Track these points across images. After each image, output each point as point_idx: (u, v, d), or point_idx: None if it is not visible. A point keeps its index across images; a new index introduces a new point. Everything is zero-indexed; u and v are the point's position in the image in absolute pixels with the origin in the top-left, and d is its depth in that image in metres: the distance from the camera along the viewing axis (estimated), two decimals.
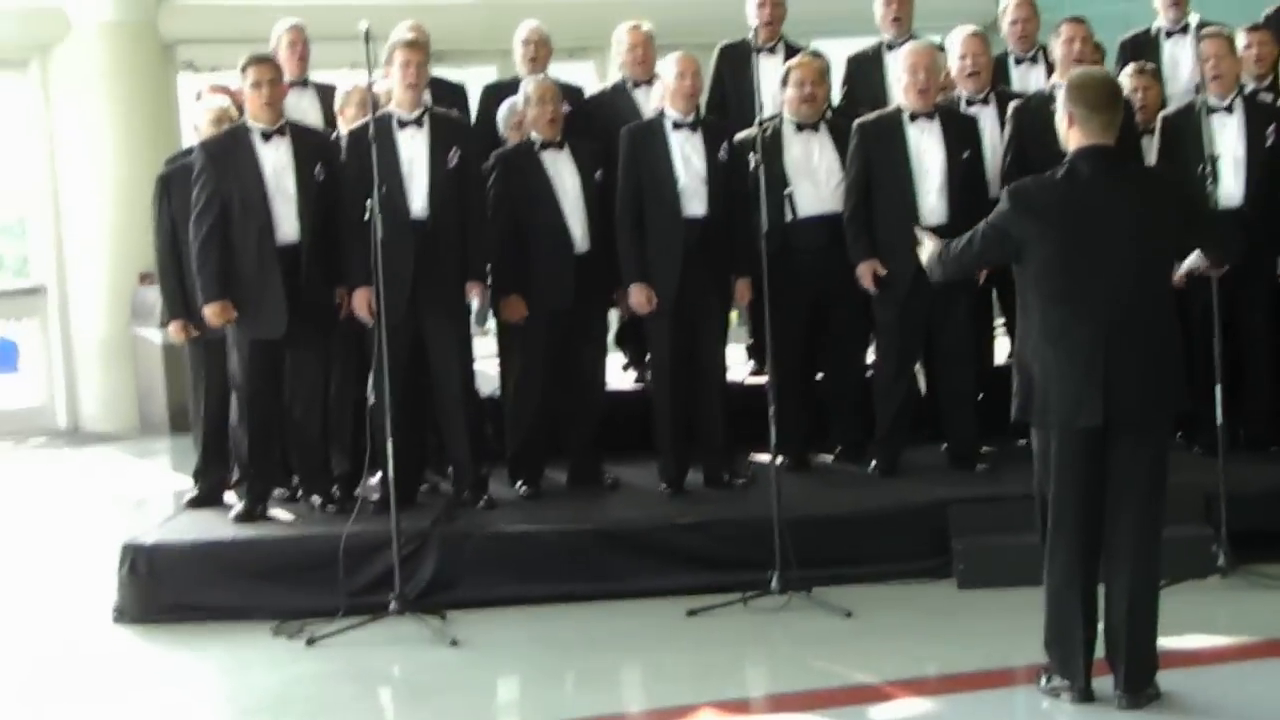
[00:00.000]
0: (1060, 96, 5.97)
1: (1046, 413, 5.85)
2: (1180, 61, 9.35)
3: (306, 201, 8.13)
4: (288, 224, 8.13)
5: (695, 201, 8.35)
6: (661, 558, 7.88)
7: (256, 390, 8.20)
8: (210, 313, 8.09)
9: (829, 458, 8.97)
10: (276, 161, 8.13)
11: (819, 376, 8.99)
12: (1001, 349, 9.26)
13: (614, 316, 9.24)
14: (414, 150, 8.11)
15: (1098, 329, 5.75)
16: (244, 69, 8.16)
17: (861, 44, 10.54)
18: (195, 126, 8.54)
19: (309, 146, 8.26)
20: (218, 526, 8.19)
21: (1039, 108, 8.50)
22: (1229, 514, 7.41)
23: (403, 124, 8.11)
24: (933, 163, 8.38)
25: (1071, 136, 5.90)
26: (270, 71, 8.20)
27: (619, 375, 9.89)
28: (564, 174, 8.44)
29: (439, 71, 9.78)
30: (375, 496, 8.20)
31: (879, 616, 7.34)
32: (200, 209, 8.09)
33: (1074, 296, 5.78)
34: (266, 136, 8.13)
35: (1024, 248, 5.84)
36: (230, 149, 8.15)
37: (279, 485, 8.56)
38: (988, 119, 8.75)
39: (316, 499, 8.37)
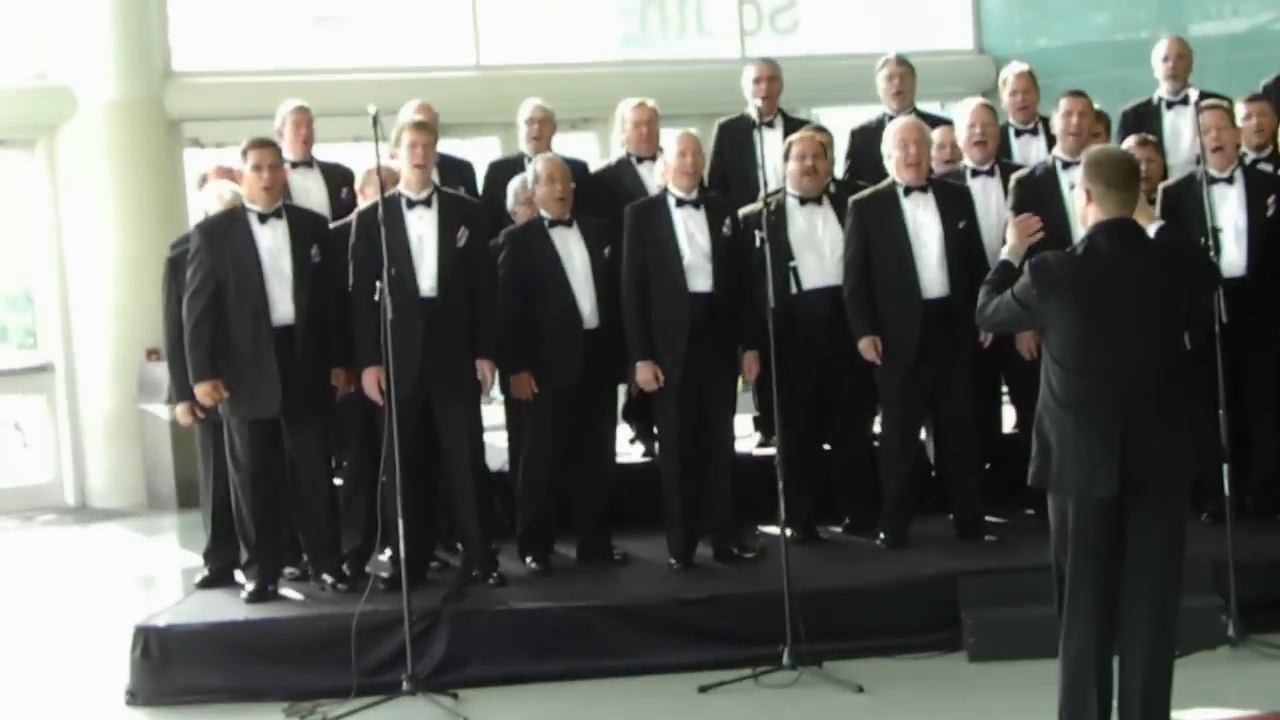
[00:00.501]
0: (1079, 173, 6.03)
1: (1063, 481, 5.89)
2: (1181, 132, 9.44)
3: (302, 282, 8.20)
4: (283, 305, 8.18)
5: (700, 277, 8.41)
6: (672, 633, 7.89)
7: (257, 470, 8.24)
8: (201, 392, 8.16)
9: (837, 529, 8.99)
10: (273, 243, 8.20)
11: (826, 448, 9.03)
12: (1009, 418, 9.29)
13: (622, 389, 9.30)
14: (423, 229, 8.17)
15: (1116, 399, 5.81)
16: (244, 152, 8.24)
17: (861, 112, 10.67)
18: (205, 211, 8.59)
19: (305, 228, 8.33)
20: (229, 607, 8.20)
21: (1040, 179, 8.63)
22: (1238, 583, 7.43)
23: (411, 204, 8.18)
24: (930, 235, 8.45)
25: (1090, 212, 5.97)
26: (271, 155, 8.29)
27: (626, 448, 9.92)
28: (573, 251, 8.51)
29: (443, 146, 9.85)
30: (385, 574, 8.21)
31: (891, 691, 7.35)
32: (194, 289, 8.16)
33: (1093, 367, 5.84)
34: (263, 218, 8.21)
35: (1046, 319, 5.93)
36: (227, 230, 8.22)
37: (289, 564, 8.58)
38: (992, 189, 8.83)
39: (327, 578, 8.39)
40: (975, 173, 8.88)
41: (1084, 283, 5.87)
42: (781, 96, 9.97)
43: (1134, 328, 5.82)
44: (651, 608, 8.00)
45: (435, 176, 8.54)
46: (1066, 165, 8.51)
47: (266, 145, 8.35)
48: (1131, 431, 5.79)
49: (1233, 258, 8.33)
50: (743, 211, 8.66)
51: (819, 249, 8.65)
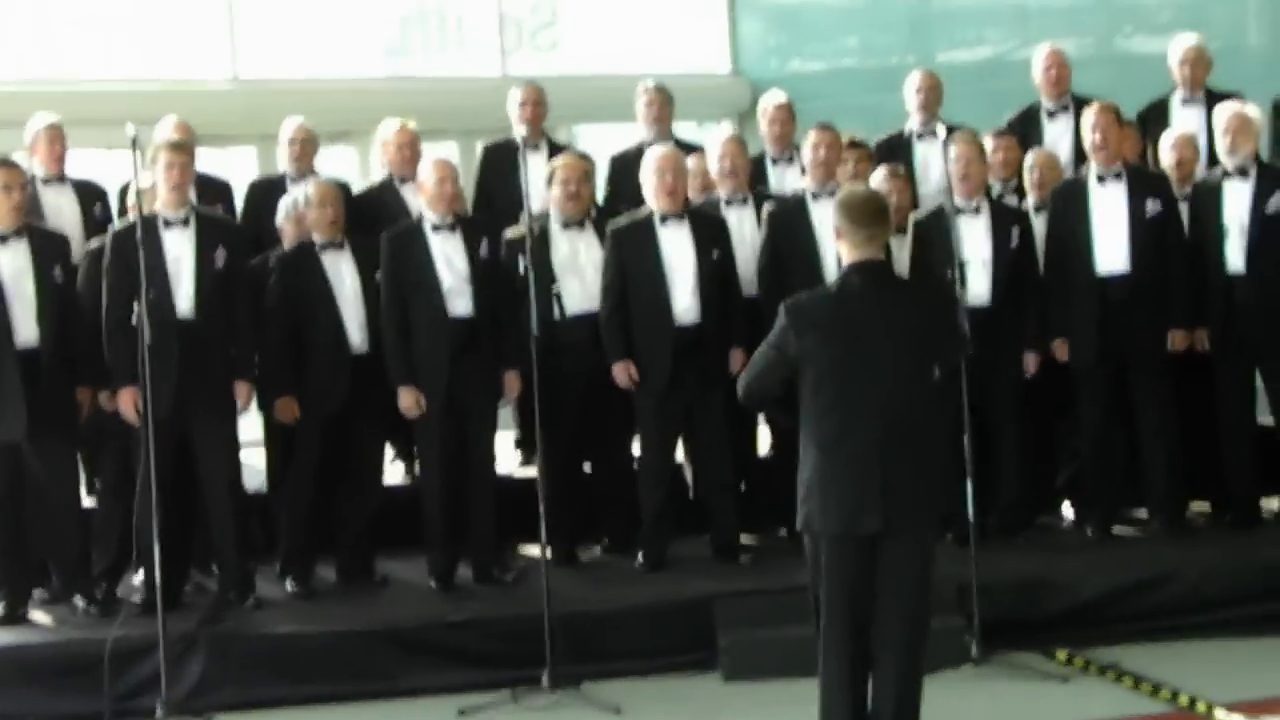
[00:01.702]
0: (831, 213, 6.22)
1: (826, 521, 6.03)
2: (931, 163, 9.73)
3: (46, 304, 8.05)
4: (26, 328, 8.03)
5: (460, 301, 8.44)
6: (432, 656, 7.91)
7: (3, 493, 8.10)
8: None
9: (597, 550, 9.09)
10: (14, 265, 8.03)
11: (586, 469, 9.13)
12: (763, 440, 9.47)
13: None
14: (180, 250, 8.09)
15: (871, 437, 5.96)
16: None
17: (619, 131, 10.80)
18: None
19: (47, 248, 8.18)
20: None
21: (794, 209, 8.82)
22: (981, 603, 7.66)
23: (168, 224, 8.09)
24: (684, 263, 8.59)
25: (842, 250, 6.17)
26: (20, 176, 8.16)
27: (388, 468, 9.90)
28: (344, 274, 8.50)
29: (200, 157, 9.75)
30: (138, 597, 8.11)
31: (649, 711, 7.45)
32: None
33: (847, 406, 5.99)
34: (3, 239, 8.04)
35: (801, 361, 6.04)
36: None
37: (38, 586, 8.42)
38: (746, 219, 8.99)
39: (79, 601, 8.24)
40: (729, 202, 9.03)
41: (837, 320, 6.04)
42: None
43: (886, 364, 5.99)
44: (411, 631, 8.00)
45: (192, 195, 8.47)
46: (815, 196, 8.72)
47: (11, 165, 8.17)
48: (889, 467, 5.96)
49: (978, 288, 8.62)
50: (507, 234, 8.75)
51: (582, 273, 8.74)
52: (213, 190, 9.42)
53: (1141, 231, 8.75)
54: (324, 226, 8.53)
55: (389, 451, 9.97)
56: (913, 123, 10.01)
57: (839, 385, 5.99)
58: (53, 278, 8.09)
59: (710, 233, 8.68)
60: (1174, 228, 8.87)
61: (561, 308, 8.64)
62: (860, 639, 6.08)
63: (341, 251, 8.54)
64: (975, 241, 8.68)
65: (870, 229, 6.09)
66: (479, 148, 10.25)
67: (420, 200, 8.69)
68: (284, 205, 9.02)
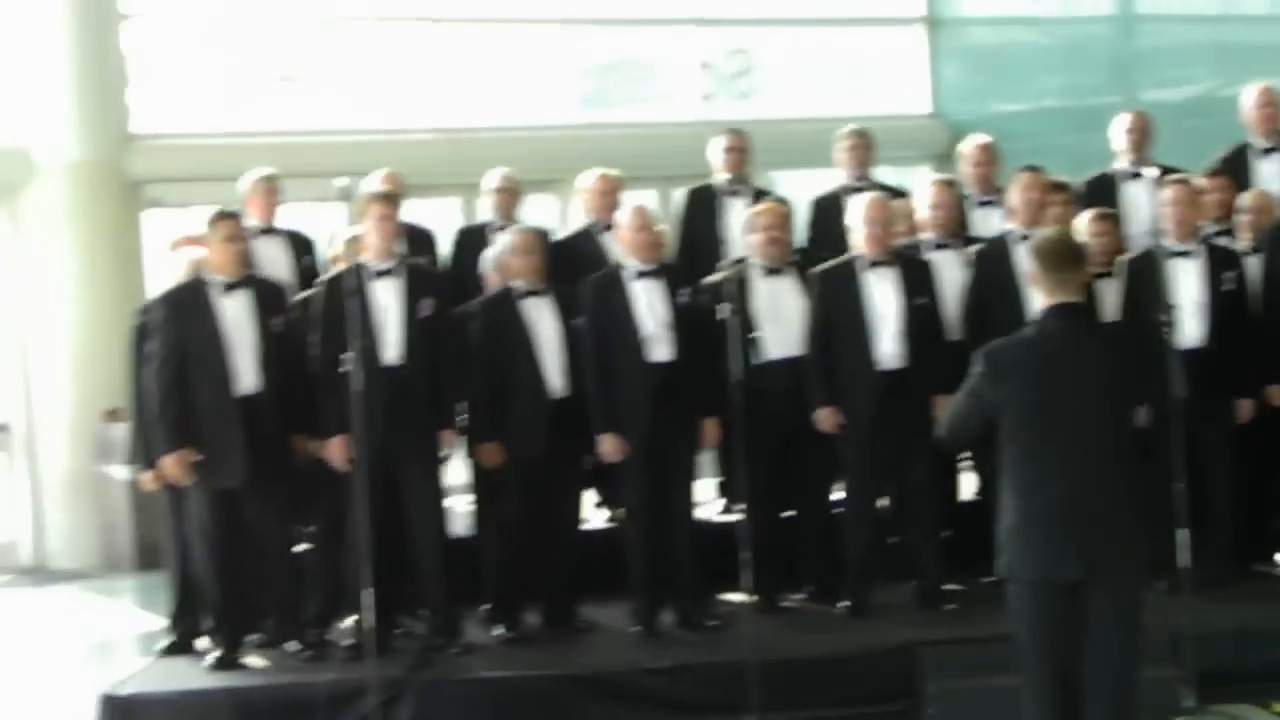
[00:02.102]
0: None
1: (1025, 567, 5.97)
2: (1140, 204, 9.55)
3: (266, 352, 8.25)
4: (247, 375, 8.22)
5: (660, 347, 8.49)
6: (636, 702, 7.94)
7: (221, 538, 8.27)
8: (169, 464, 8.18)
9: (800, 597, 9.03)
10: (236, 313, 8.24)
11: (788, 515, 9.09)
12: (968, 485, 9.37)
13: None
14: (388, 299, 8.24)
15: (1070, 483, 5.89)
16: (212, 223, 8.27)
17: (818, 177, 10.78)
18: (177, 279, 8.62)
19: (268, 297, 8.38)
20: (193, 675, 8.21)
21: (998, 252, 8.73)
22: (1194, 654, 7.50)
23: (377, 274, 8.24)
24: (889, 309, 8.54)
25: (1038, 294, 6.10)
26: (240, 228, 8.38)
27: (591, 513, 9.96)
28: (544, 321, 8.58)
29: (405, 207, 9.91)
30: (350, 641, 8.23)
31: None
32: (160, 361, 8.20)
33: (1046, 452, 5.93)
34: (227, 288, 8.24)
35: (999, 407, 6.00)
36: (190, 301, 8.26)
37: (253, 630, 8.58)
38: (952, 264, 8.93)
39: (292, 645, 8.39)
40: (937, 246, 8.97)
41: (1034, 366, 5.99)
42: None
43: (1085, 408, 5.92)
44: (615, 676, 8.04)
45: (401, 246, 8.61)
46: (1021, 239, 8.62)
47: (233, 217, 8.40)
48: (1089, 513, 5.88)
49: (1191, 331, 8.46)
50: (707, 280, 8.75)
51: (782, 319, 8.73)
52: (418, 239, 9.58)
53: None
54: (525, 273, 8.62)
55: (593, 497, 10.05)
56: (1120, 163, 9.86)
57: (1037, 431, 5.94)
58: (272, 326, 8.27)
59: (917, 278, 8.64)
60: None
61: (761, 353, 8.62)
62: (1064, 689, 5.98)
63: (542, 298, 8.62)
64: (1188, 284, 8.54)
65: (1062, 273, 6.03)
66: (678, 194, 10.28)
67: (620, 247, 8.74)
68: (489, 254, 9.14)
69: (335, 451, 8.13)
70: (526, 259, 8.62)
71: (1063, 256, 6.07)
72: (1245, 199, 9.11)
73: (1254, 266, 8.82)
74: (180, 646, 8.68)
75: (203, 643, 8.55)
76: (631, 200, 9.20)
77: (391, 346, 8.22)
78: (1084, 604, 5.94)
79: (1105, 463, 5.93)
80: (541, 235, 8.90)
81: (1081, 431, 5.91)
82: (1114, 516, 5.92)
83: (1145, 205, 9.44)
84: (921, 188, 9.21)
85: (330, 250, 9.17)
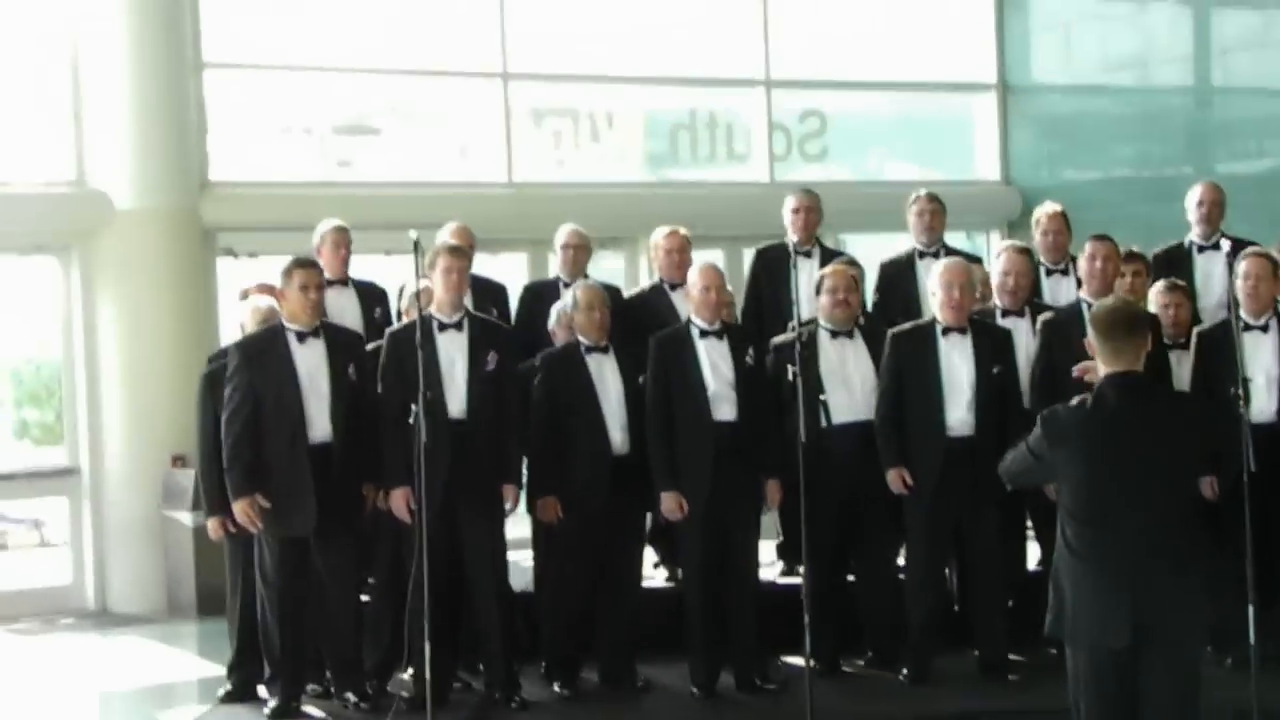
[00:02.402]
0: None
1: (1077, 631, 5.99)
2: (1212, 276, 9.54)
3: (339, 401, 8.29)
4: (320, 423, 8.27)
5: (725, 406, 8.49)
6: None
7: (287, 587, 8.30)
8: (239, 509, 8.20)
9: (860, 662, 8.98)
10: (310, 361, 8.29)
11: (850, 579, 9.04)
12: (1033, 555, 9.29)
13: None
14: (453, 352, 8.28)
15: (1125, 550, 5.90)
16: (289, 271, 8.34)
17: (886, 241, 10.76)
18: (241, 325, 8.68)
19: (342, 346, 8.43)
20: None
21: (1068, 321, 8.69)
22: None
23: (443, 327, 8.28)
24: (962, 376, 8.53)
25: (1100, 363, 6.12)
26: (318, 277, 8.44)
27: (650, 572, 9.94)
28: (608, 377, 8.61)
29: (474, 264, 9.97)
30: (408, 693, 8.23)
31: None
32: (234, 408, 8.24)
33: (1102, 519, 5.95)
34: (301, 337, 8.30)
35: (1054, 470, 6.07)
36: (266, 349, 8.31)
37: (313, 681, 8.59)
38: (1023, 330, 8.89)
39: (350, 696, 8.41)
40: (1006, 313, 8.93)
41: (1091, 434, 6.01)
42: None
43: (1142, 477, 5.94)
44: None
45: (468, 298, 8.64)
46: (1091, 306, 8.56)
47: (313, 265, 8.48)
48: (1142, 580, 5.88)
49: (1263, 405, 8.41)
50: (775, 341, 8.76)
51: (849, 382, 8.73)
52: (489, 293, 9.63)
53: None
54: (590, 330, 8.65)
55: (653, 555, 10.03)
56: (1194, 234, 9.81)
57: (1093, 498, 5.97)
58: (347, 375, 8.31)
59: (993, 346, 8.62)
60: None
61: (828, 416, 8.59)
62: None
63: (606, 355, 8.64)
64: (1263, 357, 8.51)
65: (1117, 341, 6.06)
66: (747, 254, 10.28)
67: (688, 306, 8.74)
68: (556, 309, 9.17)
69: (398, 503, 8.14)
70: (590, 314, 8.65)
71: (1118, 325, 6.09)
72: None
73: None
74: (239, 694, 8.71)
75: (262, 691, 8.55)
76: (701, 259, 9.20)
77: (456, 399, 8.25)
78: (1140, 669, 5.93)
79: (1161, 530, 5.93)
80: (603, 291, 8.91)
81: (1137, 498, 5.93)
82: (1169, 582, 5.91)
83: (1218, 277, 9.39)
84: (995, 253, 9.17)
85: (400, 302, 9.20)
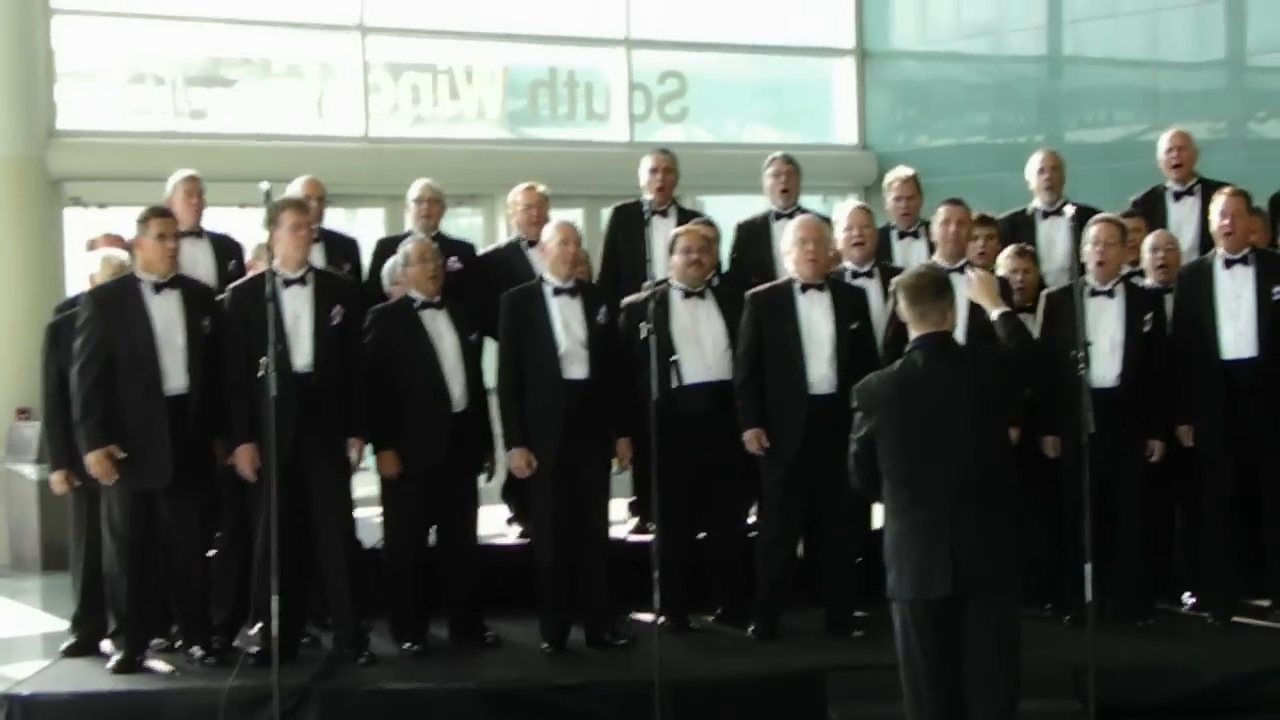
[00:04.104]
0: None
1: (901, 586, 6.21)
2: (1055, 242, 9.69)
3: (195, 353, 8.19)
4: (176, 375, 8.17)
5: (576, 365, 8.49)
6: (541, 718, 7.94)
7: (136, 540, 8.20)
8: (93, 461, 8.07)
9: (709, 618, 9.03)
10: (166, 313, 8.18)
11: (701, 537, 9.10)
12: (879, 513, 9.38)
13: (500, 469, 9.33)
14: (298, 307, 8.20)
15: (941, 504, 6.12)
16: (145, 220, 8.21)
17: (745, 202, 10.81)
18: (90, 276, 8.55)
19: (197, 298, 8.33)
20: (95, 677, 8.15)
21: None
22: (1097, 688, 7.50)
23: (288, 282, 8.19)
24: (823, 333, 8.57)
25: (909, 328, 6.34)
26: (174, 225, 8.32)
27: (503, 529, 9.96)
28: (442, 332, 8.56)
29: (329, 217, 9.90)
30: (255, 648, 8.18)
31: None
32: (87, 358, 8.10)
33: (917, 476, 6.19)
34: (157, 288, 8.19)
35: (875, 437, 6.26)
36: (119, 299, 8.18)
37: (158, 635, 8.52)
38: (872, 291, 8.95)
39: (197, 650, 8.33)
40: (855, 274, 9.01)
41: (900, 396, 6.24)
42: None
43: (952, 436, 6.14)
44: (521, 692, 8.04)
45: (320, 252, 8.58)
46: (945, 271, 8.65)
47: (168, 215, 8.35)
48: (959, 534, 6.08)
49: (1105, 369, 8.54)
50: (627, 300, 8.77)
51: (700, 343, 8.74)
52: (340, 247, 9.57)
53: (1269, 317, 8.62)
54: (424, 283, 8.59)
55: (506, 512, 10.04)
56: (1037, 201, 9.96)
57: (907, 457, 6.20)
58: (200, 327, 8.22)
59: (851, 303, 8.67)
60: None
61: (680, 376, 8.63)
62: (947, 709, 6.14)
63: (440, 311, 8.60)
64: (1107, 323, 8.62)
65: (922, 305, 6.29)
66: (606, 215, 10.30)
67: (542, 262, 8.75)
68: (387, 267, 9.15)
69: (243, 459, 8.08)
70: (423, 267, 8.59)
71: (924, 289, 6.32)
72: (1150, 239, 9.20)
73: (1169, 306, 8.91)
74: (83, 648, 8.60)
75: (106, 645, 8.47)
76: (559, 218, 9.19)
77: (302, 354, 8.18)
78: (961, 623, 6.12)
79: (974, 484, 6.13)
80: (434, 245, 8.85)
81: (950, 454, 6.13)
82: (985, 535, 6.11)
83: (1060, 242, 9.55)
84: (839, 214, 9.23)
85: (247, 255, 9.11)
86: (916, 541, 6.14)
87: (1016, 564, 6.23)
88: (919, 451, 6.16)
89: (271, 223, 8.15)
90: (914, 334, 6.31)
